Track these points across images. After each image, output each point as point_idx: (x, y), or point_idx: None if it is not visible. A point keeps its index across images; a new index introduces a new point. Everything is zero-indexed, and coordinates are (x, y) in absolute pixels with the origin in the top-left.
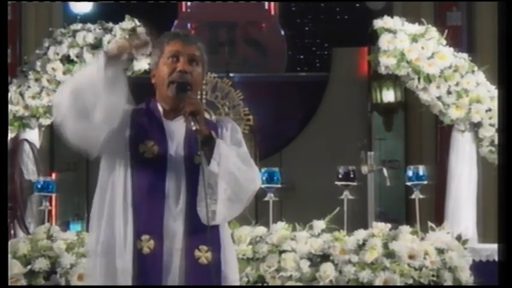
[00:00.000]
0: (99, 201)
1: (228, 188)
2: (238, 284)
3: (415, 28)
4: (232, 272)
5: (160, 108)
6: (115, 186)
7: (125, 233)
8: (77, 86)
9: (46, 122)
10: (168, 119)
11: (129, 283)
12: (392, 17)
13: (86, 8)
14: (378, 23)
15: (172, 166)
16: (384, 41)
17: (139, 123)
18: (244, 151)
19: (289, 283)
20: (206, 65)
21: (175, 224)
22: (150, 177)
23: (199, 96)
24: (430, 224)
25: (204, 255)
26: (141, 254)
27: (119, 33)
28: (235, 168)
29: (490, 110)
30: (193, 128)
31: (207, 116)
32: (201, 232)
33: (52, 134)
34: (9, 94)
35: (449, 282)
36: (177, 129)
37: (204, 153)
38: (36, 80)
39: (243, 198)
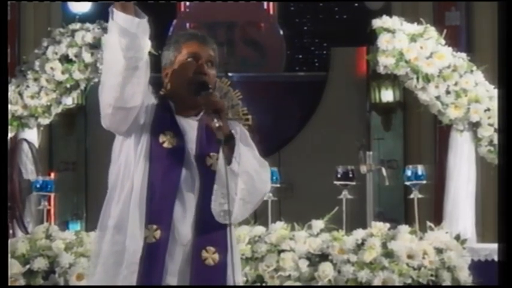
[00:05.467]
0: (115, 178)
1: (244, 188)
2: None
3: (413, 28)
4: (237, 274)
5: (173, 107)
6: (135, 176)
7: (141, 217)
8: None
9: (45, 121)
10: (181, 116)
11: (136, 266)
12: (391, 16)
13: (84, 7)
14: (377, 23)
15: (189, 161)
16: (383, 41)
17: (160, 114)
18: (257, 154)
19: (287, 283)
20: (217, 66)
21: (184, 221)
22: (165, 167)
23: None
24: (428, 223)
25: (211, 256)
26: (145, 243)
27: None
28: (252, 169)
29: (488, 109)
30: (217, 125)
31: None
32: (209, 233)
33: (51, 133)
34: (8, 94)
35: (448, 282)
36: (189, 128)
37: (224, 152)
38: (35, 79)
39: (255, 200)
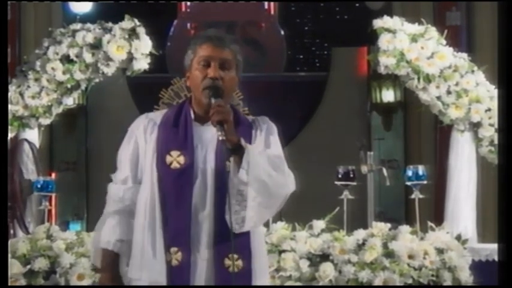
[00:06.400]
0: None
1: (257, 195)
2: None
3: (414, 28)
4: (263, 280)
5: (192, 112)
6: (142, 201)
7: (154, 245)
8: None
9: (45, 121)
10: (200, 123)
11: None
12: (391, 16)
13: (85, 7)
14: (378, 23)
15: (200, 174)
16: (384, 41)
17: (166, 133)
18: (276, 155)
19: (288, 283)
20: (241, 66)
21: (202, 234)
22: (177, 188)
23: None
24: (429, 223)
25: (234, 263)
26: (170, 267)
27: (118, 33)
28: (265, 176)
29: (489, 109)
30: (220, 138)
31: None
32: (230, 240)
33: (51, 133)
34: (9, 94)
35: (448, 282)
36: (208, 135)
37: (234, 161)
38: (36, 79)
39: (274, 204)
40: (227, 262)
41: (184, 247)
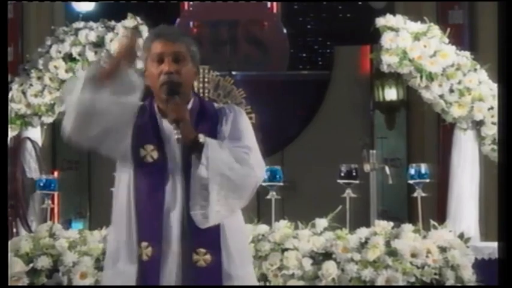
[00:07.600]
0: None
1: (221, 189)
2: (246, 279)
3: (417, 26)
4: (237, 270)
5: (157, 109)
6: (120, 191)
7: (130, 239)
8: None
9: (48, 120)
10: (166, 119)
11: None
12: (394, 15)
13: (88, 6)
14: (380, 22)
15: (170, 169)
16: (386, 39)
17: (140, 124)
18: (242, 145)
19: (291, 281)
20: (197, 57)
21: (172, 229)
22: (150, 183)
23: (201, 91)
24: (432, 222)
25: (202, 258)
26: (141, 261)
27: (121, 31)
28: (226, 169)
29: (492, 108)
30: (176, 137)
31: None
32: (198, 235)
33: (54, 132)
34: (12, 92)
35: (451, 281)
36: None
37: (195, 157)
38: (39, 78)
39: (243, 195)
40: (195, 257)
41: (155, 242)
